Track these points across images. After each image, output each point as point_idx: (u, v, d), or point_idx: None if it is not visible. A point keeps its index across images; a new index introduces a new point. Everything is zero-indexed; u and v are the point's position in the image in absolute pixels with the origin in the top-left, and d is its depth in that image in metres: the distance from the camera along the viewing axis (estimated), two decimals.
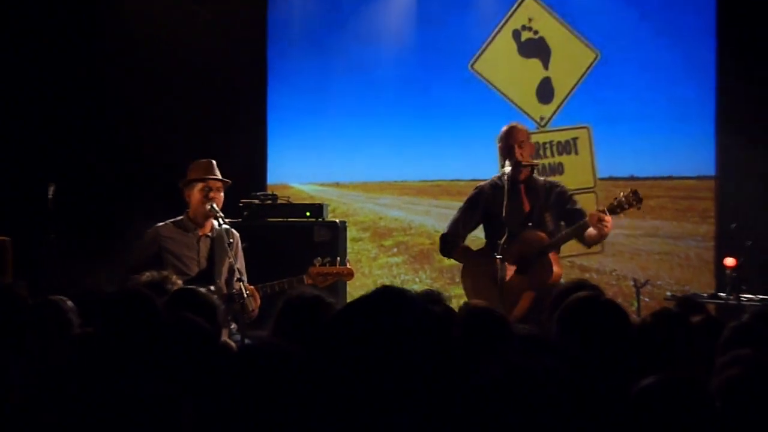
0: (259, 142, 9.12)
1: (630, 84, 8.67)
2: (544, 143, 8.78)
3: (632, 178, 8.50)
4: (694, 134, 8.38)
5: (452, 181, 8.97)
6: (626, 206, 5.90)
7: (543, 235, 6.01)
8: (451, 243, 6.25)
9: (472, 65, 9.01)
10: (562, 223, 6.20)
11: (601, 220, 5.79)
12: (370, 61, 9.03)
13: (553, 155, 8.78)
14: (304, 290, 4.24)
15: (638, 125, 8.60)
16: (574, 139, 8.74)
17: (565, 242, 6.12)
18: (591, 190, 8.63)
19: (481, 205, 6.21)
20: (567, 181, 7.43)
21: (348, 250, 7.99)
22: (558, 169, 8.74)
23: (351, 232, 8.47)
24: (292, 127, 9.31)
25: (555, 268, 5.96)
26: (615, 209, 5.90)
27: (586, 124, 8.74)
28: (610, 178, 8.68)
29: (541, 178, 6.35)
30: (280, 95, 9.25)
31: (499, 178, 6.09)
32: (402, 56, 9.01)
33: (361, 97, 9.13)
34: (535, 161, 6.28)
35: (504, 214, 5.78)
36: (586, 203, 7.27)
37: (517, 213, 5.98)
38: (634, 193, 5.88)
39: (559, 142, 8.75)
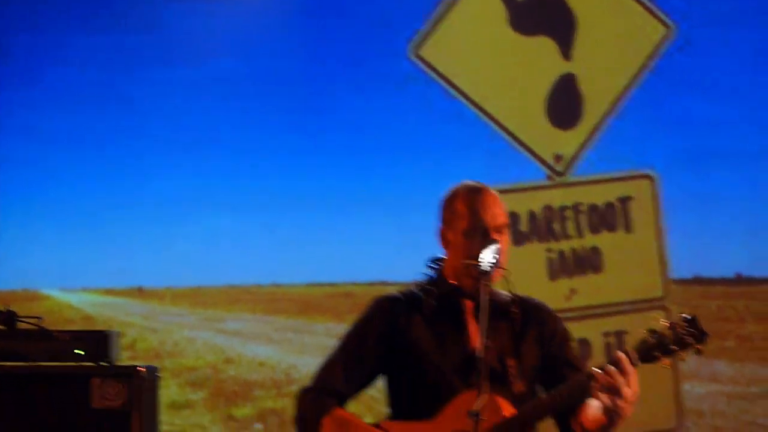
0: None
1: (738, 89, 6.62)
2: (563, 209, 6.57)
3: (740, 280, 6.52)
4: None
5: (376, 284, 6.70)
6: (672, 347, 3.85)
7: (504, 403, 3.94)
8: (318, 405, 4.15)
9: (416, 50, 6.79)
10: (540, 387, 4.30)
11: (613, 385, 3.71)
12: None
13: (580, 233, 6.54)
14: None
15: (751, 171, 6.54)
16: (624, 200, 6.62)
17: (544, 417, 4.02)
18: (659, 303, 6.49)
19: (379, 332, 4.08)
20: (609, 285, 6.33)
21: (165, 427, 6.10)
22: (591, 262, 6.49)
23: (170, 390, 6.81)
24: (40, 187, 7.20)
25: None
26: (650, 353, 3.87)
27: (649, 171, 6.64)
28: (697, 280, 6.64)
29: (506, 293, 4.20)
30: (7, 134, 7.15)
31: (423, 285, 4.11)
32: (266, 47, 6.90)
33: (178, 118, 6.96)
34: (501, 267, 3.95)
35: (434, 349, 3.89)
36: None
37: (451, 354, 4.05)
38: (689, 322, 3.81)
39: (593, 207, 6.62)
